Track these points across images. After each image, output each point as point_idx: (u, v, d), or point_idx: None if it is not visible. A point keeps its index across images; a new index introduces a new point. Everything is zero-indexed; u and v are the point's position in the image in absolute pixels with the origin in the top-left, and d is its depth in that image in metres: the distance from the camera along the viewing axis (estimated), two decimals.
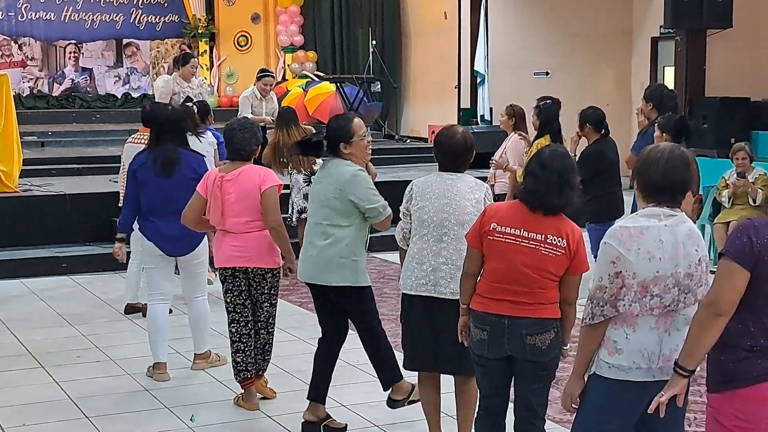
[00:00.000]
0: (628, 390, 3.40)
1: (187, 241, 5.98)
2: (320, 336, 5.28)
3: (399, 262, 4.84)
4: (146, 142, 6.44)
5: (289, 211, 9.25)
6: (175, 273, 6.46)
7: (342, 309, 5.15)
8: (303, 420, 5.23)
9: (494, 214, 4.07)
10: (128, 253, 6.93)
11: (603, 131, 7.38)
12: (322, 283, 5.06)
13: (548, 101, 8.02)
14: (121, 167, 7.53)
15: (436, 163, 4.75)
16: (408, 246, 4.69)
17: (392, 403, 5.21)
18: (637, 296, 3.36)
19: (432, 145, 4.86)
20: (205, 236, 6.18)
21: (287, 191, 8.78)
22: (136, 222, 6.21)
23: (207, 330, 6.37)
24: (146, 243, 6.15)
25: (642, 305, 3.37)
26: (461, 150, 4.60)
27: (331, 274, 5.01)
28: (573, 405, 3.52)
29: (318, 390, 5.22)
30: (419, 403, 4.96)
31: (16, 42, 17.54)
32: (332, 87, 16.18)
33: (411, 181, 4.77)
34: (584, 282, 4.00)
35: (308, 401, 5.24)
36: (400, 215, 4.70)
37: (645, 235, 3.36)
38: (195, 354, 6.41)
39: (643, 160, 3.51)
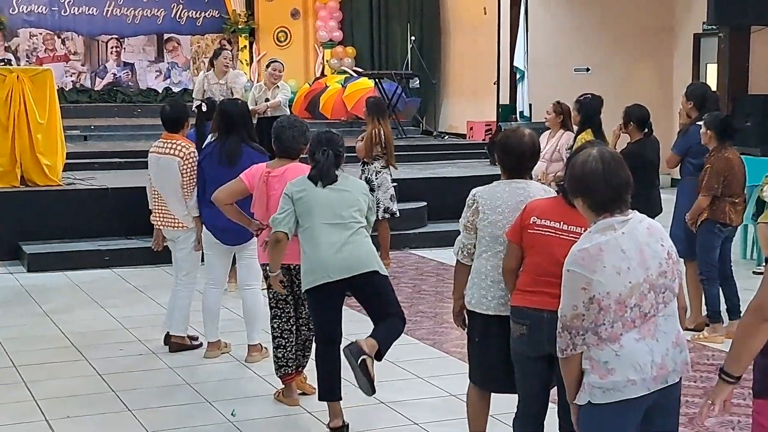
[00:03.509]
0: (624, 411, 3.26)
1: (239, 232, 6.03)
2: (326, 338, 5.18)
3: (455, 276, 4.58)
4: (168, 151, 6.46)
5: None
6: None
7: (367, 297, 5.16)
8: (337, 426, 5.15)
9: (534, 208, 4.06)
10: None
11: (646, 130, 7.33)
12: (364, 271, 5.04)
13: (589, 96, 8.00)
14: (149, 181, 6.79)
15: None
16: (469, 261, 4.43)
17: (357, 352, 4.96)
18: (617, 315, 3.21)
19: (492, 148, 4.70)
20: None
21: None
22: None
23: (260, 321, 6.40)
24: (207, 231, 6.36)
25: (623, 321, 3.23)
26: (530, 153, 4.35)
27: (373, 261, 5.08)
28: None
29: (339, 389, 5.20)
30: (467, 408, 4.70)
31: (59, 36, 17.75)
32: (371, 83, 16.22)
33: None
34: None
35: (329, 403, 5.17)
36: (461, 229, 4.44)
37: (605, 251, 3.21)
38: (249, 345, 6.47)
39: (578, 180, 3.34)
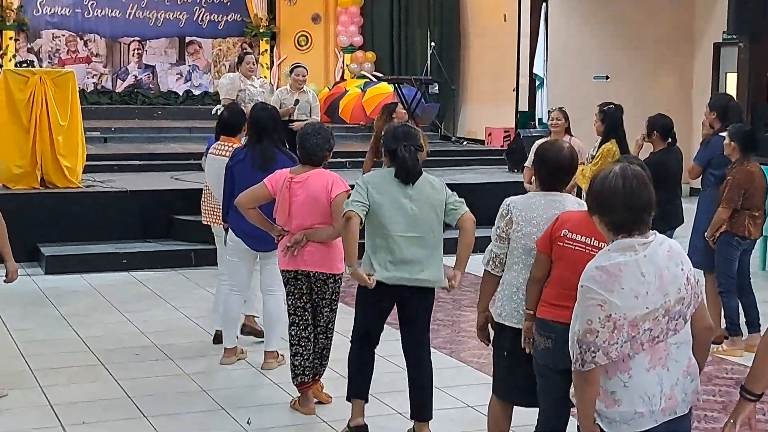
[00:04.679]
0: None
1: (268, 238, 5.92)
2: (364, 336, 5.18)
3: (482, 286, 4.52)
4: (224, 153, 6.58)
5: None
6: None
7: (413, 310, 5.12)
8: (358, 425, 5.17)
9: (567, 220, 4.03)
10: None
11: (670, 140, 7.30)
12: (422, 284, 5.00)
13: (612, 106, 7.96)
14: (205, 184, 7.13)
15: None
16: (500, 271, 4.39)
17: None
18: (629, 335, 3.11)
19: (532, 159, 4.57)
20: None
21: None
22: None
23: (279, 328, 6.38)
24: (233, 236, 6.34)
25: (633, 343, 3.13)
26: (569, 167, 4.29)
27: (436, 276, 5.02)
28: None
29: (367, 389, 5.21)
30: (488, 421, 4.67)
31: (81, 38, 17.87)
32: (390, 88, 16.22)
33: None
34: None
35: (353, 401, 5.18)
36: (493, 238, 4.38)
37: (624, 272, 3.11)
38: (266, 352, 6.46)
39: (596, 196, 3.24)
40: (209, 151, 6.92)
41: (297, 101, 10.24)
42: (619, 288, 3.11)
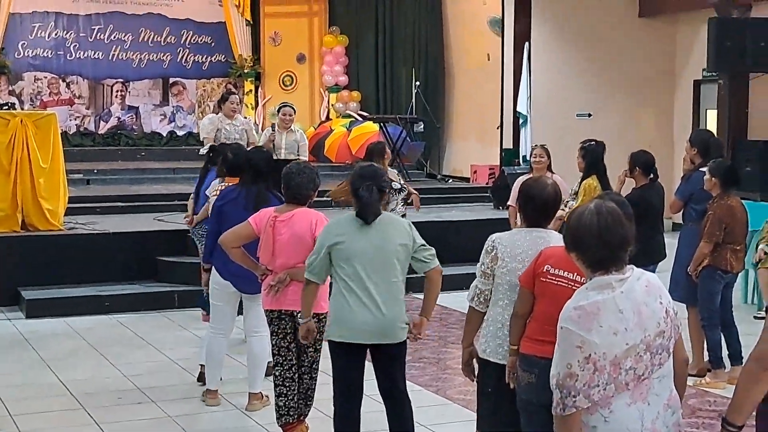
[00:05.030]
0: None
1: (256, 279, 5.87)
2: (343, 396, 5.02)
3: (467, 322, 4.50)
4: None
5: None
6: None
7: (383, 366, 5.01)
8: None
9: (550, 256, 4.04)
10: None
11: (652, 176, 7.34)
12: (385, 342, 4.89)
13: (593, 143, 8.02)
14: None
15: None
16: (484, 308, 4.38)
17: None
18: (611, 377, 3.08)
19: (516, 197, 4.54)
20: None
21: None
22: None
23: (263, 369, 6.38)
24: (220, 280, 6.27)
25: (617, 384, 3.10)
26: (552, 203, 4.31)
27: (397, 331, 4.91)
28: None
29: None
30: None
31: (64, 80, 17.86)
32: (375, 127, 16.29)
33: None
34: None
35: None
36: (478, 274, 4.38)
37: (602, 311, 3.09)
38: (250, 393, 6.40)
39: (572, 234, 3.23)
40: (212, 193, 6.94)
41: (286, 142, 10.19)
42: (597, 326, 3.09)
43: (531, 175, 6.72)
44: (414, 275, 5.18)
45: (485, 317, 4.40)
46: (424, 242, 5.03)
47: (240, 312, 6.51)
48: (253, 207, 6.01)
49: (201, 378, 6.86)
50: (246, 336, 6.54)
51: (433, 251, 5.05)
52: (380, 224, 4.90)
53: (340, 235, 4.88)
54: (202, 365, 6.84)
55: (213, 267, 6.32)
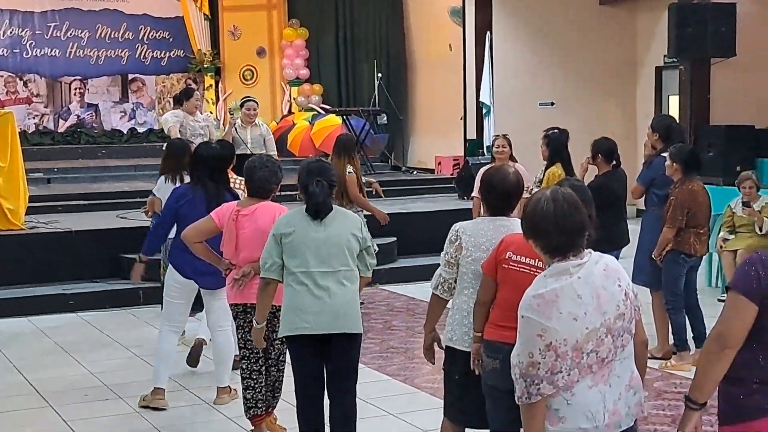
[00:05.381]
0: None
1: (217, 275, 5.87)
2: (306, 392, 4.93)
3: (429, 308, 4.52)
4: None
5: None
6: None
7: (335, 361, 4.91)
8: None
9: (511, 243, 4.05)
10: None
11: (614, 162, 7.38)
12: (340, 331, 4.82)
13: (556, 131, 8.06)
14: None
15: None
16: (448, 296, 4.40)
17: None
18: (574, 362, 3.12)
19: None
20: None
21: None
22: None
23: (230, 363, 6.37)
24: (180, 279, 6.21)
25: (580, 368, 3.14)
26: (515, 191, 4.30)
27: (351, 320, 4.84)
28: None
29: None
30: None
31: (21, 79, 17.65)
32: (338, 120, 16.26)
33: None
34: None
35: None
36: (442, 263, 4.39)
37: (561, 297, 3.12)
38: (218, 387, 6.38)
39: (530, 221, 3.24)
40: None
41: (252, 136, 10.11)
42: (557, 313, 3.11)
43: (492, 164, 6.73)
44: (381, 267, 5.15)
45: (451, 305, 4.42)
46: (371, 245, 5.04)
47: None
48: (207, 207, 5.93)
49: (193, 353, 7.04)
50: (210, 332, 6.50)
51: (374, 261, 5.07)
52: (330, 220, 4.89)
53: (289, 226, 4.85)
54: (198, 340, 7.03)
55: (171, 265, 6.28)
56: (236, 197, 6.06)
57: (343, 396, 4.91)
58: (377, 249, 5.73)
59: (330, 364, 4.92)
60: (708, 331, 6.98)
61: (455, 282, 4.37)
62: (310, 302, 4.79)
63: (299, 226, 4.85)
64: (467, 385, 4.33)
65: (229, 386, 6.37)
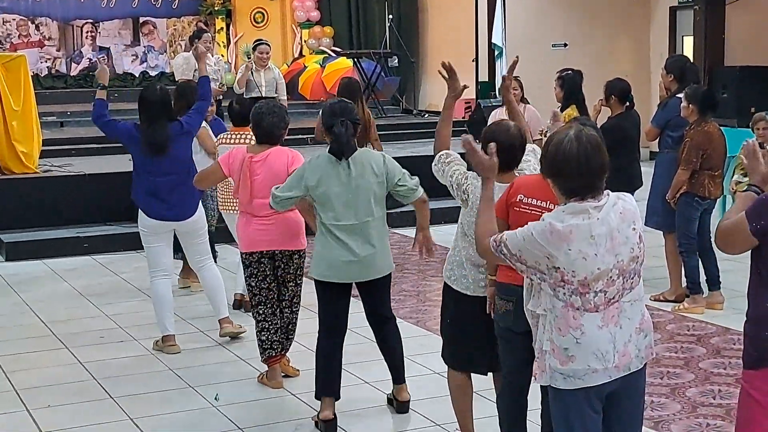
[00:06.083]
0: (587, 397, 3.23)
1: (182, 205, 6.18)
2: (327, 330, 5.07)
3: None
4: (240, 141, 6.71)
5: None
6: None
7: (368, 299, 5.13)
8: (327, 418, 4.99)
9: (522, 185, 4.04)
10: None
11: (628, 104, 7.32)
12: (369, 279, 4.99)
13: (570, 72, 7.96)
14: None
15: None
16: (445, 159, 4.53)
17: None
18: (578, 292, 3.17)
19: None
20: (201, 205, 6.45)
21: None
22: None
23: (222, 293, 6.50)
24: (149, 222, 6.27)
25: (585, 301, 3.16)
26: (519, 145, 4.25)
27: (380, 267, 5.00)
28: None
29: (338, 385, 5.10)
30: (449, 389, 4.65)
31: (33, 22, 17.56)
32: (349, 62, 16.16)
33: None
34: None
35: (322, 399, 5.04)
36: (457, 174, 4.44)
37: (574, 234, 3.13)
38: (219, 320, 6.49)
39: (551, 160, 3.23)
40: (219, 142, 7.11)
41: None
42: (566, 249, 3.14)
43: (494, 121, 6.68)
44: (392, 210, 5.19)
45: (452, 245, 4.46)
46: (404, 172, 5.08)
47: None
48: (157, 152, 6.12)
49: (237, 305, 7.13)
50: (195, 271, 6.65)
51: (416, 180, 5.10)
52: (355, 162, 4.92)
53: (318, 179, 4.89)
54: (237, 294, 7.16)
55: (139, 210, 6.33)
56: (183, 118, 6.26)
57: (384, 324, 5.18)
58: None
59: (365, 302, 5.14)
60: (721, 275, 7.07)
61: (461, 176, 4.37)
62: (338, 252, 4.90)
63: (326, 174, 4.89)
64: (459, 327, 4.43)
65: (228, 317, 6.50)
